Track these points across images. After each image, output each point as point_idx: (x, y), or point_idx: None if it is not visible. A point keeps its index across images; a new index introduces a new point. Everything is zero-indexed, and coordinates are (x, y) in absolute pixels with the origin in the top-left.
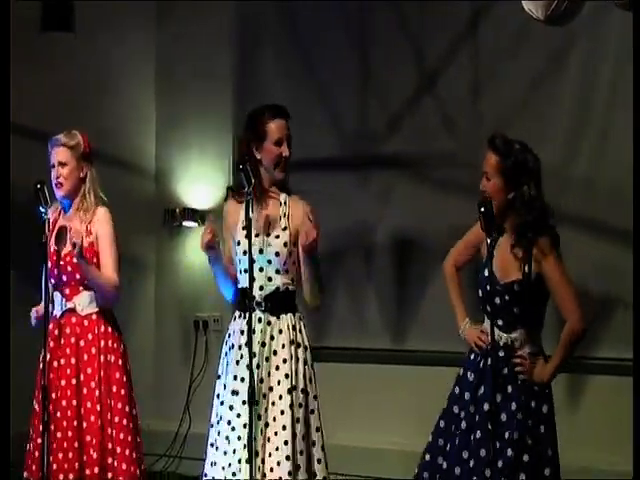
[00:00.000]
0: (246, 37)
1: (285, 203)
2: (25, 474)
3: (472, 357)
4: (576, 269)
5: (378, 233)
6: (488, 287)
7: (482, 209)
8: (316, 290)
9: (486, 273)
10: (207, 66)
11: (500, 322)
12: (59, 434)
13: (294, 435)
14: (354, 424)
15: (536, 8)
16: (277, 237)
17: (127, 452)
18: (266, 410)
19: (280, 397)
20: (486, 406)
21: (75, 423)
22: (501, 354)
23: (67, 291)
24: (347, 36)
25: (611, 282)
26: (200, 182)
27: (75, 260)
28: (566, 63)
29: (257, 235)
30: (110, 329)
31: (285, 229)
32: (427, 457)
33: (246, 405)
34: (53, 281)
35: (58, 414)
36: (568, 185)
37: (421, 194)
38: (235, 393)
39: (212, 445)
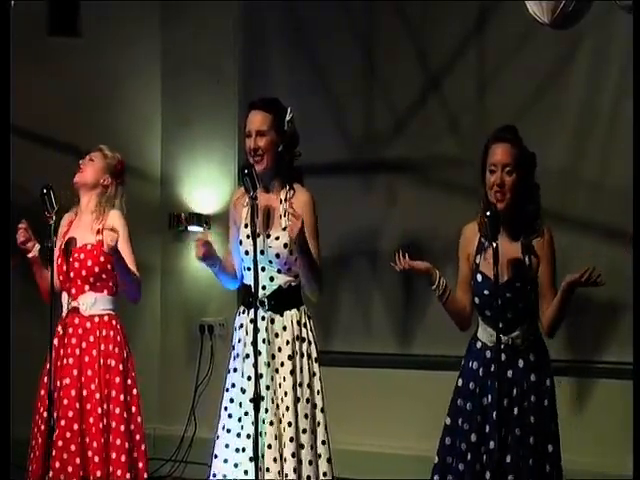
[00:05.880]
0: (251, 40)
1: (285, 200)
2: (29, 474)
3: (471, 365)
4: None
5: (384, 237)
6: (486, 291)
7: (488, 213)
8: (312, 283)
9: (479, 278)
10: (212, 70)
11: (500, 325)
12: (62, 435)
13: (302, 431)
14: (360, 428)
15: (541, 11)
16: (277, 238)
17: (123, 458)
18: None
19: (286, 394)
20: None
21: (77, 424)
22: (503, 358)
23: (73, 290)
24: (352, 37)
25: (618, 286)
26: (205, 187)
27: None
28: (573, 64)
29: (258, 235)
30: (112, 333)
31: (285, 229)
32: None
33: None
34: (61, 278)
35: (60, 414)
36: (575, 188)
37: (427, 197)
38: (243, 391)
39: (227, 446)
